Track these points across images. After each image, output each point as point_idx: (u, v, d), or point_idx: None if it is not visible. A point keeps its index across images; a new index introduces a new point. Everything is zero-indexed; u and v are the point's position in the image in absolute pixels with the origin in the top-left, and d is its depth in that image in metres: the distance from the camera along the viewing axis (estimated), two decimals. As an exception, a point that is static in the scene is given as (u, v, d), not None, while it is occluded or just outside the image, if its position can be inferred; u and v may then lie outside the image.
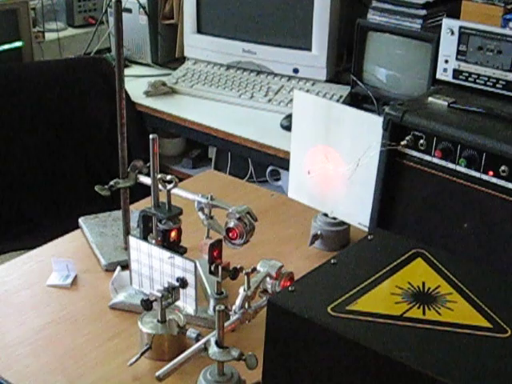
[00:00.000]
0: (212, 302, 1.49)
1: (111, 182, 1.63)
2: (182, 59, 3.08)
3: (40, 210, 2.61)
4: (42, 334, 1.47)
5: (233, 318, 1.32)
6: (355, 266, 1.18)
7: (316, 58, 2.77)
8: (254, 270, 1.38)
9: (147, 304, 1.36)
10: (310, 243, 1.75)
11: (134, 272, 1.44)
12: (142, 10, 3.08)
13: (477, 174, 1.51)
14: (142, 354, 1.38)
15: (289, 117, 2.43)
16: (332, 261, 1.17)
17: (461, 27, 2.16)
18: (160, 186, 1.47)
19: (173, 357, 1.25)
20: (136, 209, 1.74)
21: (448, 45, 2.17)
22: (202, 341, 1.26)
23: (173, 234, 1.47)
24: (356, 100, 2.65)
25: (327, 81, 2.79)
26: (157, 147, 1.45)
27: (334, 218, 1.75)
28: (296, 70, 2.82)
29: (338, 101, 2.64)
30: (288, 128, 2.31)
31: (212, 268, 1.41)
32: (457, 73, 2.15)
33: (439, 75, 2.20)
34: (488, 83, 2.04)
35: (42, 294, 1.60)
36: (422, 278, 1.14)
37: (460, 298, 1.09)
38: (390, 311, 1.06)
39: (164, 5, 3.12)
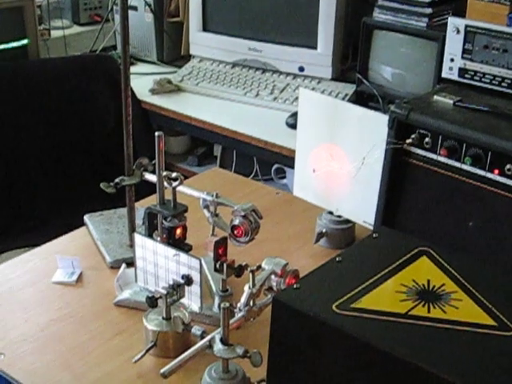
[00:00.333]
0: (217, 300, 1.49)
1: (117, 180, 1.63)
2: (188, 57, 3.08)
3: (45, 207, 2.61)
4: (47, 331, 1.48)
5: (238, 315, 1.32)
6: (360, 263, 1.18)
7: (321, 56, 2.76)
8: (259, 267, 1.38)
9: (152, 301, 1.36)
10: (315, 241, 1.75)
11: (139, 269, 1.44)
12: (147, 7, 3.09)
13: (482, 173, 1.50)
14: (147, 351, 1.38)
15: (294, 115, 2.42)
16: (337, 259, 1.17)
17: (466, 26, 2.16)
18: (165, 184, 1.47)
19: (178, 354, 1.26)
20: (141, 206, 1.74)
21: (454, 43, 2.17)
22: (207, 338, 1.26)
23: (178, 231, 1.48)
24: (361, 98, 2.65)
25: (333, 79, 2.79)
26: (162, 145, 1.45)
27: (339, 216, 1.75)
28: (301, 68, 2.82)
29: (343, 99, 2.63)
30: (293, 126, 2.31)
31: (217, 265, 1.41)
32: (462, 71, 2.15)
33: (445, 74, 2.20)
34: (493, 82, 2.04)
35: (47, 291, 1.60)
36: (427, 276, 1.13)
37: (465, 296, 1.09)
38: (395, 309, 1.06)
39: (170, 2, 3.12)
